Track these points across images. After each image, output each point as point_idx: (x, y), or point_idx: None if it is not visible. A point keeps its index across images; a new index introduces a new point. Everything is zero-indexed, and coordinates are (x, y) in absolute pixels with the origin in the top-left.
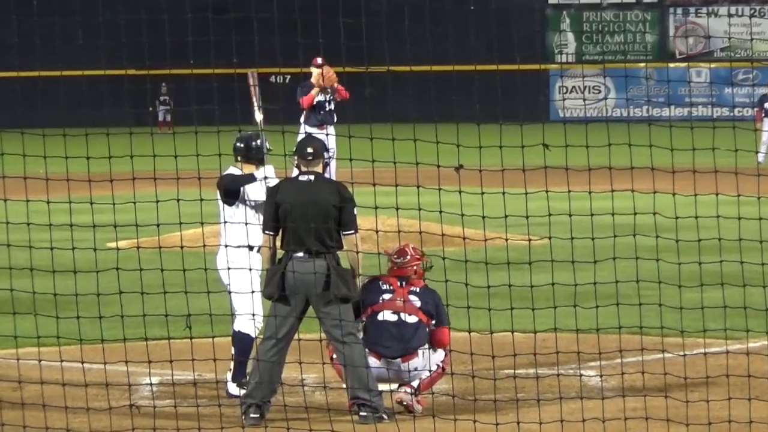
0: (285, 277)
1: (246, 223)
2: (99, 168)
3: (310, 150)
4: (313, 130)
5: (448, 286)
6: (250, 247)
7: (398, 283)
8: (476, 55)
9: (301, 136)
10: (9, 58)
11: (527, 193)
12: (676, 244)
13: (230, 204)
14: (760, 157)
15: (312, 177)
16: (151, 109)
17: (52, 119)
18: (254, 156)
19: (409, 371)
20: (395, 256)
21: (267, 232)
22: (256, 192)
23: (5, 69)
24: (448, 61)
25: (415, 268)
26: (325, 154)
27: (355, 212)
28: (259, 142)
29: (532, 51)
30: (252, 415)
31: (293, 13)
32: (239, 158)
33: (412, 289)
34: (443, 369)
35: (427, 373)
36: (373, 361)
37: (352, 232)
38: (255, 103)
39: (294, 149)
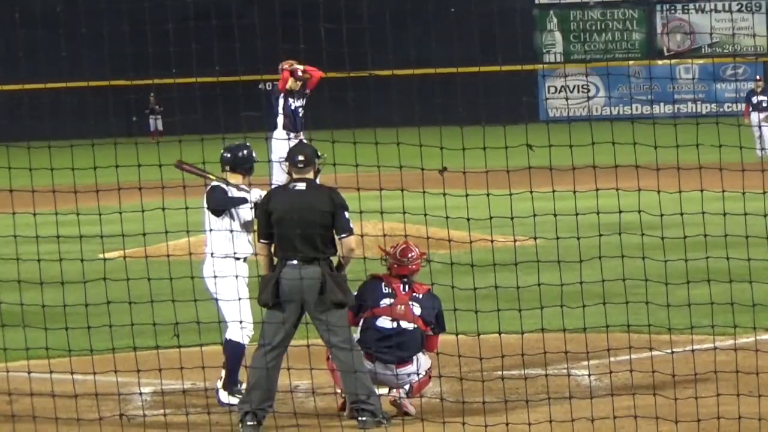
0: (279, 285)
1: (231, 231)
2: (85, 179)
3: (301, 157)
4: (289, 136)
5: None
6: (236, 257)
7: (401, 288)
8: (469, 58)
9: (276, 141)
10: None
11: (512, 194)
12: (662, 242)
13: (217, 215)
14: (759, 153)
15: (303, 185)
16: (135, 119)
17: (36, 131)
18: (240, 166)
19: (401, 375)
20: (400, 255)
21: (262, 240)
22: (245, 213)
23: None
24: (432, 65)
25: (415, 266)
26: (316, 160)
27: (347, 215)
28: (245, 152)
29: (521, 51)
30: (249, 423)
31: (275, 18)
32: (226, 168)
33: (414, 295)
34: (430, 376)
35: (416, 377)
36: (366, 363)
37: (346, 235)
38: (205, 175)
39: (285, 155)
